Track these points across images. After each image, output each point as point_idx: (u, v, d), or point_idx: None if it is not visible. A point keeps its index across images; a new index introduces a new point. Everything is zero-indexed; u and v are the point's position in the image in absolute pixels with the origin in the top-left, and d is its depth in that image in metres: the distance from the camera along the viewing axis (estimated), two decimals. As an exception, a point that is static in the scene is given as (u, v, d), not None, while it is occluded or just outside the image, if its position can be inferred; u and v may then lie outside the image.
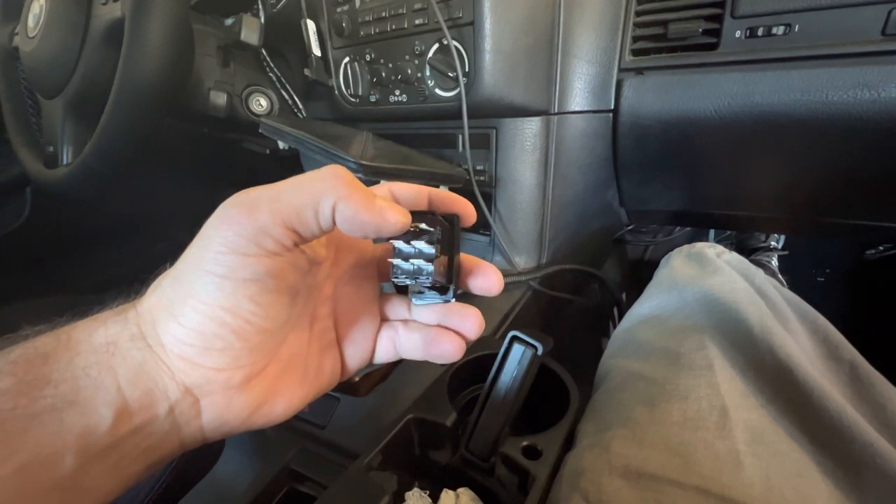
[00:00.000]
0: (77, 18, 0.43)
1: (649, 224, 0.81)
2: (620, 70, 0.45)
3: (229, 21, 0.64)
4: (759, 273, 0.33)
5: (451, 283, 0.22)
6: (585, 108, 0.46)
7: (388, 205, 0.19)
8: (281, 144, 0.49)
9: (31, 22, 0.46)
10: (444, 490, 0.32)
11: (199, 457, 0.42)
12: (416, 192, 0.22)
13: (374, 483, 0.29)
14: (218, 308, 0.17)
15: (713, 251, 0.35)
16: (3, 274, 0.80)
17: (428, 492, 0.32)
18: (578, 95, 0.46)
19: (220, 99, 0.51)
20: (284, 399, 0.20)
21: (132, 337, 0.18)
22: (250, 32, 0.49)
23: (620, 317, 0.40)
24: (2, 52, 0.56)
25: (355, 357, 0.24)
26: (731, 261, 0.34)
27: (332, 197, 0.17)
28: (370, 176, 0.37)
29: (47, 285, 0.81)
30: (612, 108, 0.46)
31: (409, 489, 0.31)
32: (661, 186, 0.56)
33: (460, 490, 0.32)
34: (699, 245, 0.37)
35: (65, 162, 0.48)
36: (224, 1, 0.58)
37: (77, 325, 0.18)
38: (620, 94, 0.45)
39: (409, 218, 0.19)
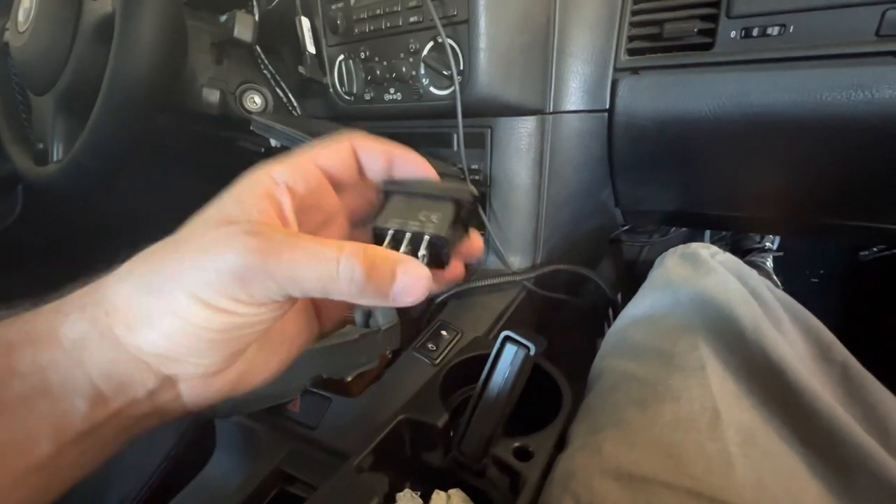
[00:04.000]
0: (68, 13, 0.43)
1: (645, 224, 0.81)
2: (616, 69, 0.45)
3: (223, 17, 0.63)
4: (752, 274, 0.33)
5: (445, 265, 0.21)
6: (581, 108, 0.46)
7: (411, 282, 0.17)
8: (273, 143, 0.49)
9: (21, 17, 0.46)
10: (436, 491, 0.31)
11: (189, 458, 0.42)
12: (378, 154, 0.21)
13: (365, 484, 0.28)
14: (206, 331, 0.17)
15: (707, 252, 0.35)
16: (-6, 272, 0.79)
17: (419, 493, 0.31)
18: (574, 95, 0.45)
19: (213, 96, 0.50)
20: (265, 369, 0.21)
21: (102, 335, 0.17)
22: (244, 29, 0.49)
23: (615, 317, 0.39)
24: (-8, 47, 0.55)
25: (333, 310, 0.24)
26: (725, 262, 0.34)
27: (350, 283, 0.16)
28: None
29: (38, 284, 0.81)
30: (608, 107, 0.46)
31: (401, 490, 0.31)
32: (657, 186, 0.56)
33: (451, 491, 0.31)
34: (693, 245, 0.37)
35: (55, 158, 0.47)
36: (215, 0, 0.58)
37: (37, 315, 0.17)
38: (616, 93, 0.45)
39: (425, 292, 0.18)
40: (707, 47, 0.41)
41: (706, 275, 0.32)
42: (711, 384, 0.26)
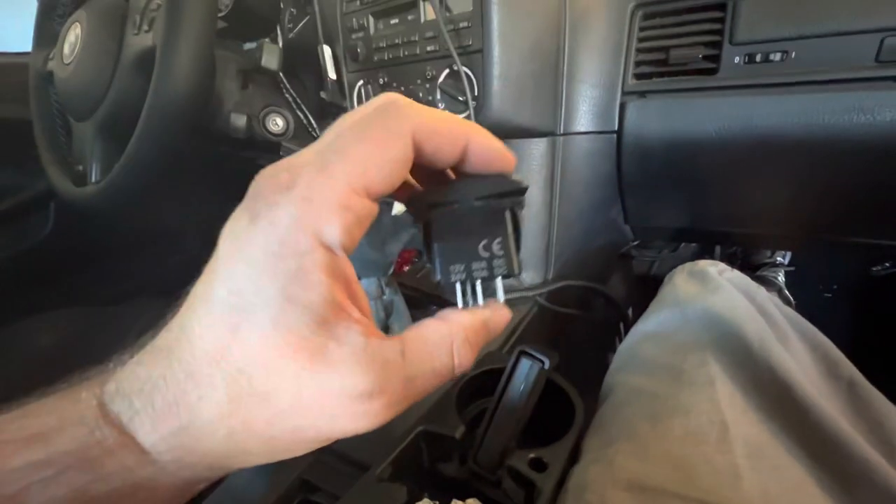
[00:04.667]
0: (110, 46, 0.46)
1: (654, 240, 0.82)
2: (624, 93, 0.47)
3: (247, 46, 0.67)
4: (760, 291, 0.34)
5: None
6: (590, 129, 0.48)
7: None
8: None
9: (66, 49, 0.49)
10: (454, 500, 0.32)
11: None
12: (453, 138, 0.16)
13: (385, 493, 0.30)
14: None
15: (715, 269, 0.36)
16: (26, 285, 0.82)
17: (437, 503, 0.33)
18: (583, 117, 0.47)
19: (240, 120, 0.53)
20: None
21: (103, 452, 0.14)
22: (270, 58, 0.52)
23: (626, 332, 0.40)
24: (36, 76, 0.59)
25: None
26: (732, 279, 0.35)
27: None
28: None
29: (66, 296, 0.84)
30: (616, 129, 0.48)
31: (419, 500, 0.32)
32: (665, 204, 0.57)
33: (469, 501, 0.32)
34: (701, 263, 0.38)
35: (93, 180, 0.50)
36: (244, 28, 0.61)
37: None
38: (624, 116, 0.47)
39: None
40: (711, 72, 0.43)
41: (714, 292, 0.33)
42: (720, 399, 0.27)
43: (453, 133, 0.16)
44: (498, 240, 0.17)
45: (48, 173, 0.55)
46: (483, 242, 0.17)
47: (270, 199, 0.14)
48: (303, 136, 0.66)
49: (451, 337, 0.17)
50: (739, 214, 0.52)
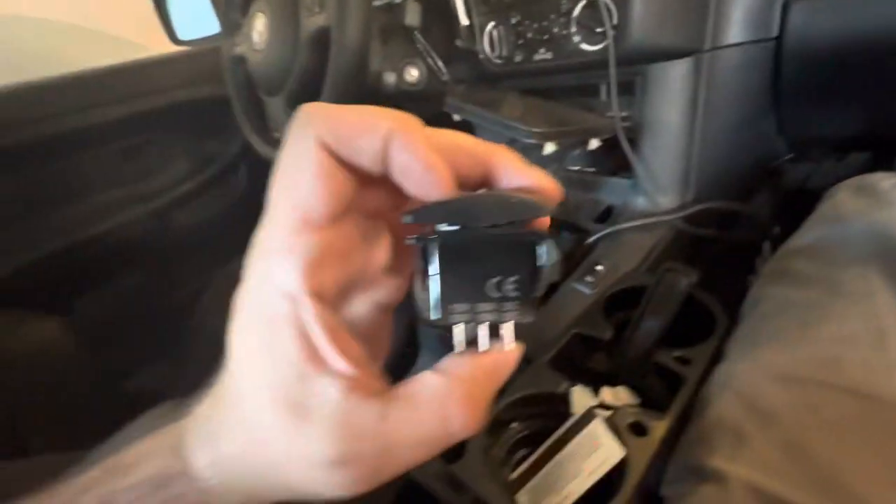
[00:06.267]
0: (290, 30, 0.56)
1: (815, 151, 0.73)
2: (788, -8, 0.42)
3: (378, 3, 0.73)
4: (946, 205, 0.31)
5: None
6: (744, 40, 0.44)
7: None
8: (455, 117, 0.58)
9: (255, 38, 0.61)
10: (604, 387, 0.40)
11: (403, 352, 0.57)
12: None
13: (549, 378, 0.38)
14: None
15: (889, 182, 0.34)
16: (233, 232, 1.07)
17: (590, 388, 0.40)
18: (736, 27, 0.44)
19: (391, 77, 0.61)
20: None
21: None
22: (413, 16, 0.58)
23: (773, 251, 0.40)
24: (228, 60, 0.73)
25: None
26: (911, 192, 0.33)
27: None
28: (542, 141, 0.43)
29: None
30: (777, 35, 0.44)
31: (574, 386, 0.40)
32: (835, 110, 0.51)
33: (618, 387, 0.40)
34: (873, 176, 0.35)
35: (287, 144, 0.64)
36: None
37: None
38: (787, 18, 0.42)
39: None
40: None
41: (884, 207, 0.32)
42: (879, 309, 0.27)
43: (365, 127, 0.14)
44: (513, 279, 0.15)
45: (251, 141, 0.71)
46: (494, 280, 0.15)
47: (248, 264, 0.15)
48: (434, 83, 0.72)
49: (446, 399, 0.14)
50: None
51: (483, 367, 0.15)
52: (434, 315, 0.15)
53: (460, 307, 0.15)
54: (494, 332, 0.15)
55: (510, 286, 0.15)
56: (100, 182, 0.86)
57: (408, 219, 0.14)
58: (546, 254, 0.15)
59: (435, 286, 0.15)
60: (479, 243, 0.15)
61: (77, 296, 0.86)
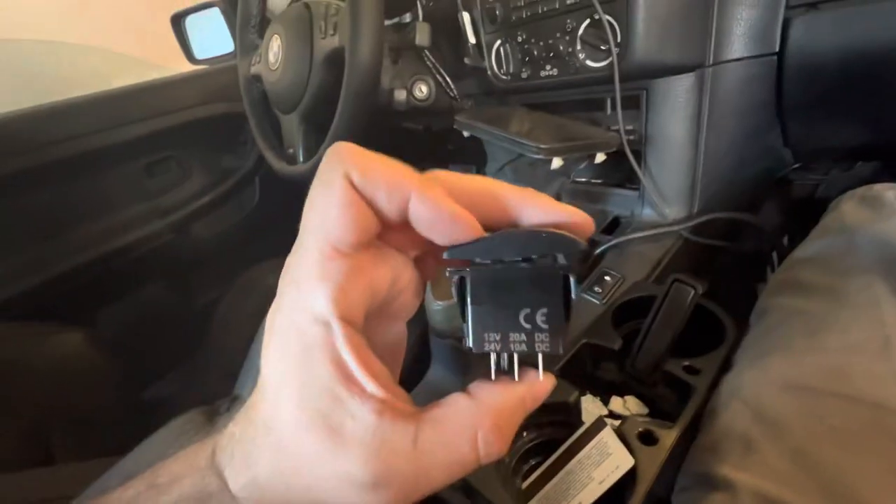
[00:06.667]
0: (305, 51, 0.59)
1: (821, 161, 0.73)
2: (788, 8, 0.43)
3: (389, 22, 0.75)
4: (950, 215, 0.32)
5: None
6: (745, 55, 0.46)
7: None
8: (465, 133, 0.60)
9: (271, 58, 0.64)
10: (613, 396, 0.40)
11: (414, 365, 0.58)
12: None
13: (559, 388, 0.38)
14: None
15: (894, 193, 0.34)
16: (247, 241, 1.10)
17: (599, 398, 0.41)
18: (737, 42, 0.45)
19: (402, 94, 0.63)
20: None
21: None
22: (423, 36, 0.60)
23: (780, 261, 0.40)
24: (245, 79, 0.76)
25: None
26: (916, 203, 0.33)
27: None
28: (549, 157, 0.45)
29: (275, 248, 1.11)
30: (777, 50, 0.45)
31: (584, 396, 0.41)
32: (839, 122, 0.51)
33: (627, 398, 0.40)
34: (877, 187, 0.36)
35: (301, 160, 0.66)
36: (392, 6, 0.69)
37: None
38: (788, 34, 0.43)
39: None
40: (910, -36, 0.38)
41: (889, 217, 0.32)
42: (885, 318, 0.28)
43: (389, 179, 0.15)
44: (543, 311, 0.16)
45: (267, 157, 0.73)
46: (525, 312, 0.16)
47: (280, 289, 0.16)
48: (443, 99, 0.74)
49: (477, 423, 0.15)
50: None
51: (515, 397, 0.16)
52: (471, 344, 0.16)
53: (493, 336, 0.16)
54: (527, 362, 0.16)
55: (541, 317, 0.16)
56: (123, 197, 0.90)
57: (447, 255, 0.15)
58: (575, 286, 0.15)
59: (470, 317, 0.16)
60: (512, 276, 0.16)
61: (100, 308, 0.89)
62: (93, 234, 0.85)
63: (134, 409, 0.75)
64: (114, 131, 0.84)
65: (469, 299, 0.16)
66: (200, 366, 0.89)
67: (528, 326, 0.16)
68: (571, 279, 0.16)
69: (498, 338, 0.16)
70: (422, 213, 0.15)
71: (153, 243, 0.91)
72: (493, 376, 0.16)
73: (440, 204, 0.15)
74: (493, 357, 0.16)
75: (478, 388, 0.16)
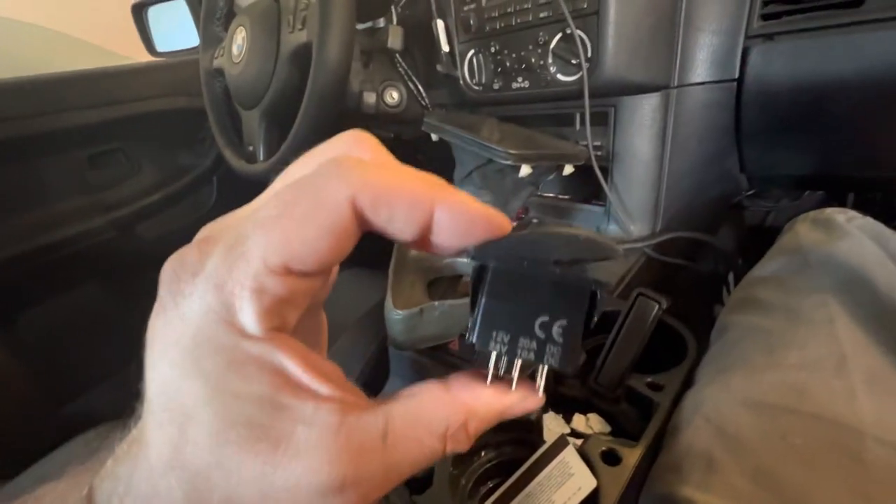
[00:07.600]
0: (270, 45, 0.56)
1: (773, 189, 0.77)
2: (747, 37, 0.45)
3: (362, 26, 0.74)
4: (893, 238, 0.33)
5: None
6: (707, 80, 0.47)
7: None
8: (434, 137, 0.59)
9: (235, 51, 0.60)
10: (576, 414, 0.39)
11: (370, 381, 0.55)
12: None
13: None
14: None
15: (843, 217, 0.36)
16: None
17: (561, 415, 0.39)
18: (700, 67, 0.47)
19: (371, 98, 0.61)
20: None
21: None
22: (395, 40, 0.58)
23: (736, 283, 0.42)
24: (206, 73, 0.72)
25: None
26: (863, 226, 0.35)
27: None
28: (518, 163, 0.44)
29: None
30: (737, 77, 0.46)
31: (545, 413, 0.39)
32: (791, 151, 0.54)
33: (590, 415, 0.39)
34: (828, 211, 0.37)
35: (261, 158, 0.62)
36: (365, 9, 0.68)
37: None
38: (746, 62, 0.45)
39: None
40: (856, 4, 0.40)
41: (840, 238, 0.34)
42: (839, 335, 0.29)
43: (410, 198, 0.13)
44: (562, 322, 0.14)
45: (225, 154, 0.69)
46: (542, 319, 0.14)
47: (178, 289, 0.13)
48: (414, 107, 0.73)
49: (450, 419, 0.14)
50: (881, 158, 0.49)
51: (501, 405, 0.15)
52: (475, 339, 0.14)
53: (501, 336, 0.14)
54: (525, 372, 0.15)
55: (557, 329, 0.14)
56: (60, 189, 0.82)
57: (472, 256, 0.14)
58: (600, 303, 0.14)
59: (480, 309, 0.14)
60: (537, 278, 0.14)
61: (22, 309, 0.80)
62: (19, 226, 0.76)
63: (50, 425, 0.67)
64: (54, 116, 0.77)
65: (486, 290, 0.14)
66: (134, 379, 0.81)
67: (541, 335, 0.14)
68: (599, 296, 0.14)
69: (507, 339, 0.14)
70: (451, 224, 0.13)
71: (90, 240, 0.83)
72: (489, 378, 0.15)
73: (471, 210, 0.13)
74: (493, 357, 0.15)
75: (458, 383, 0.15)
